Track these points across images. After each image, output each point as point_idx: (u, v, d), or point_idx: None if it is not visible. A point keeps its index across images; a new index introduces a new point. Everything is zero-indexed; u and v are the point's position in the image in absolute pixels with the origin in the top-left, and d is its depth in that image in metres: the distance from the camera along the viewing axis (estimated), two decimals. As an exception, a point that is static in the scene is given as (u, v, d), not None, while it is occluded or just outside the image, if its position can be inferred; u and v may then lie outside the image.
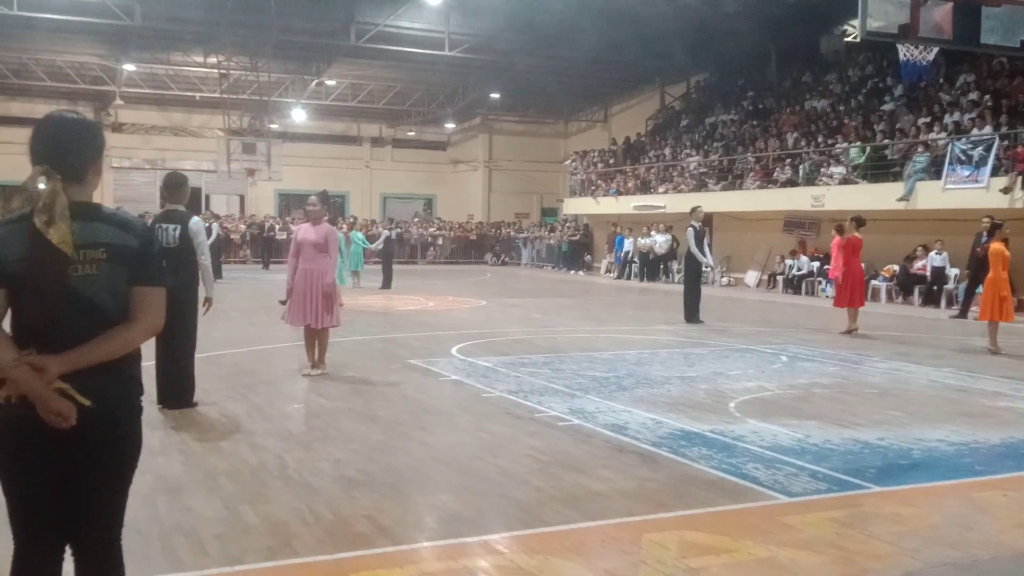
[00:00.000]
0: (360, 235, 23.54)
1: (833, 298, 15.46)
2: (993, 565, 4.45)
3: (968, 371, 10.65)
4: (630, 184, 31.49)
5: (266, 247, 32.71)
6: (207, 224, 23.05)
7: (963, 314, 17.16)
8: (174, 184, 7.94)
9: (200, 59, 31.03)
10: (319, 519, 4.93)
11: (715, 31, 27.40)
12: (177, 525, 4.80)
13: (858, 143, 22.96)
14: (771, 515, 5.13)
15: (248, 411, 7.81)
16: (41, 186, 2.65)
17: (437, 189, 42.58)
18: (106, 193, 33.61)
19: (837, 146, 23.73)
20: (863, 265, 15.52)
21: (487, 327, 14.63)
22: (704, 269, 16.45)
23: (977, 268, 16.12)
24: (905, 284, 20.78)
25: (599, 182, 33.62)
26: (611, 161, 34.32)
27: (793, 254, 24.15)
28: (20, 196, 2.66)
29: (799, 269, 23.58)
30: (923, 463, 6.39)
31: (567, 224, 35.79)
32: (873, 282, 20.71)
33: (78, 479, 2.73)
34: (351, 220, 30.64)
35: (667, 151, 31.79)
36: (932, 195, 19.58)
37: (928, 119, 21.88)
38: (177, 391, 7.73)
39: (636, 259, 28.99)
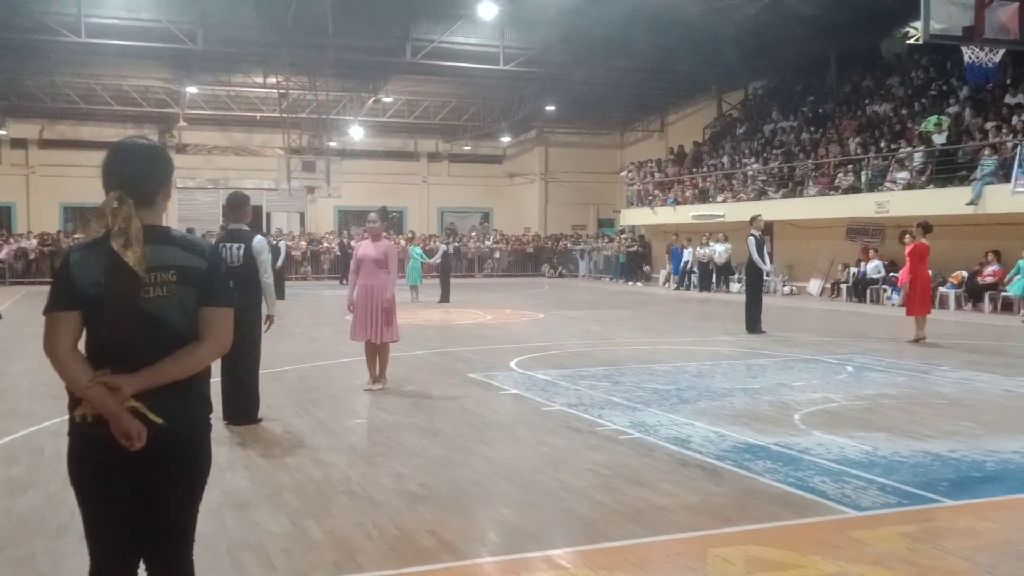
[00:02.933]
0: (418, 250, 23.72)
1: (903, 306, 15.09)
2: (1075, 582, 4.29)
3: (1043, 380, 10.32)
4: (687, 194, 31.26)
5: (345, 263, 33.22)
6: (275, 242, 23.55)
7: None
8: (236, 203, 8.08)
9: (260, 80, 31.67)
10: (383, 534, 4.96)
11: (772, 37, 27.10)
12: (245, 540, 4.87)
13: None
14: (839, 530, 5.03)
15: (312, 426, 7.91)
16: (115, 210, 2.72)
17: (494, 202, 42.75)
18: (170, 213, 34.43)
19: (901, 151, 23.25)
20: (930, 272, 15.17)
21: (545, 340, 14.61)
22: (765, 278, 16.18)
23: None
24: (974, 291, 20.25)
25: (656, 192, 33.42)
26: (667, 170, 34.11)
27: (859, 262, 23.66)
28: (99, 221, 2.74)
29: (864, 275, 23.07)
30: (997, 475, 6.20)
31: (624, 235, 35.64)
32: (941, 289, 20.23)
33: (151, 496, 2.79)
34: (409, 235, 30.92)
35: (725, 159, 31.49)
36: (1001, 199, 19.06)
37: (996, 122, 21.33)
38: (242, 407, 7.86)
39: (695, 269, 28.73)
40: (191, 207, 36.57)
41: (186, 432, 2.82)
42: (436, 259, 24.37)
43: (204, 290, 2.82)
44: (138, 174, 2.82)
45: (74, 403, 2.77)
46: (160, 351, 2.74)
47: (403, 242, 33.67)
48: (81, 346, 2.79)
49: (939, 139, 21.93)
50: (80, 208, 34.74)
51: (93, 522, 2.81)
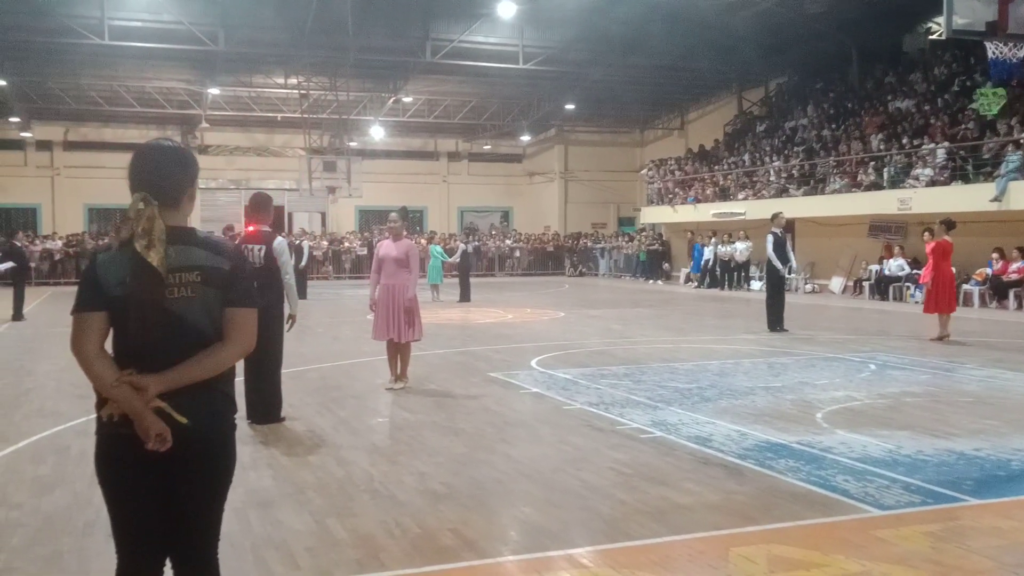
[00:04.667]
0: (439, 248, 23.77)
1: (923, 304, 15.03)
2: (1102, 582, 4.25)
3: (1069, 378, 10.21)
4: (708, 192, 31.14)
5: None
6: (297, 242, 23.68)
7: None
8: (259, 204, 8.13)
9: (281, 80, 31.83)
10: (406, 532, 4.99)
11: (793, 34, 26.96)
12: (269, 538, 4.91)
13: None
14: (863, 529, 5.00)
15: (334, 425, 7.95)
16: (140, 212, 2.75)
17: (514, 201, 42.77)
18: (193, 214, 34.54)
19: (923, 147, 23.06)
20: (954, 269, 15.05)
21: (566, 339, 14.61)
22: (787, 276, 16.06)
23: None
24: (998, 288, 20.06)
25: (676, 190, 33.32)
26: (687, 168, 34.00)
27: (882, 259, 23.49)
28: (127, 224, 2.78)
29: (889, 271, 22.88)
30: (1023, 474, 6.15)
31: (644, 233, 35.55)
32: (965, 286, 20.05)
33: (177, 495, 2.83)
34: (429, 235, 30.98)
35: (746, 157, 31.34)
36: (1026, 195, 18.88)
37: (1020, 117, 21.09)
38: (265, 407, 7.91)
39: (717, 267, 28.62)
40: (213, 208, 36.81)
41: (211, 432, 2.85)
42: (455, 258, 24.41)
43: (228, 291, 2.85)
44: (163, 176, 2.85)
45: (101, 403, 2.80)
46: (185, 351, 2.77)
47: (423, 241, 33.78)
48: (108, 347, 2.83)
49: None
50: (104, 209, 35.09)
51: (120, 521, 2.85)
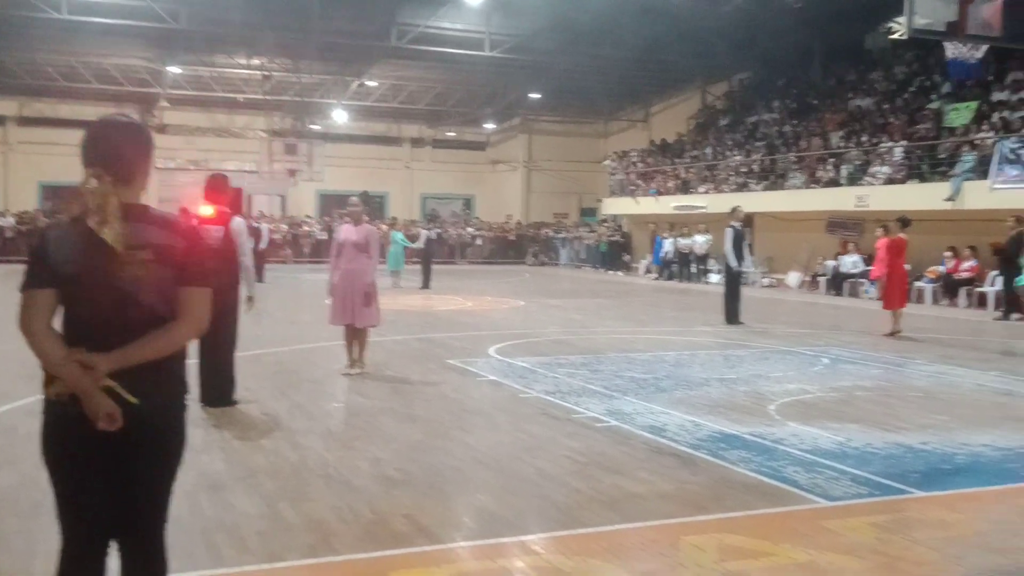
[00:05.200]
0: (400, 235, 23.66)
1: (881, 300, 15.25)
2: (1040, 573, 4.36)
3: (1015, 375, 10.44)
4: (670, 184, 31.32)
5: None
6: (256, 225, 23.45)
7: (1006, 316, 17.11)
8: (217, 185, 8.05)
9: (243, 61, 31.44)
10: (359, 517, 4.97)
11: (758, 29, 27.13)
12: (219, 522, 4.87)
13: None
14: (811, 519, 5.09)
15: (289, 409, 7.90)
16: (93, 188, 2.70)
17: (476, 189, 42.70)
18: (150, 194, 33.84)
19: (882, 145, 23.39)
20: (908, 267, 15.30)
21: (525, 327, 14.64)
22: (744, 270, 16.22)
23: (1002, 267, 17.59)
24: (950, 285, 20.43)
25: (638, 182, 33.48)
26: (649, 160, 34.17)
27: (838, 255, 23.79)
28: (78, 200, 2.72)
29: (844, 268, 23.18)
30: (968, 468, 6.29)
31: (606, 224, 35.68)
32: (917, 284, 20.39)
33: (125, 476, 2.79)
34: (391, 220, 30.83)
35: (708, 151, 31.57)
36: (979, 195, 19.23)
37: (976, 119, 21.47)
38: (219, 389, 7.84)
39: (676, 259, 28.83)
40: (171, 188, 36.21)
41: (161, 412, 2.82)
42: (419, 244, 24.31)
43: (181, 270, 2.81)
44: (117, 152, 2.80)
45: (48, 381, 2.75)
46: (136, 330, 2.72)
47: (384, 227, 33.51)
48: (58, 325, 2.78)
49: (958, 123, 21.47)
50: (59, 187, 34.34)
51: (65, 501, 2.80)
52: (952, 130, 21.71)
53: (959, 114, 21.57)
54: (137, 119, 3.03)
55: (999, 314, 17.53)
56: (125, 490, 2.80)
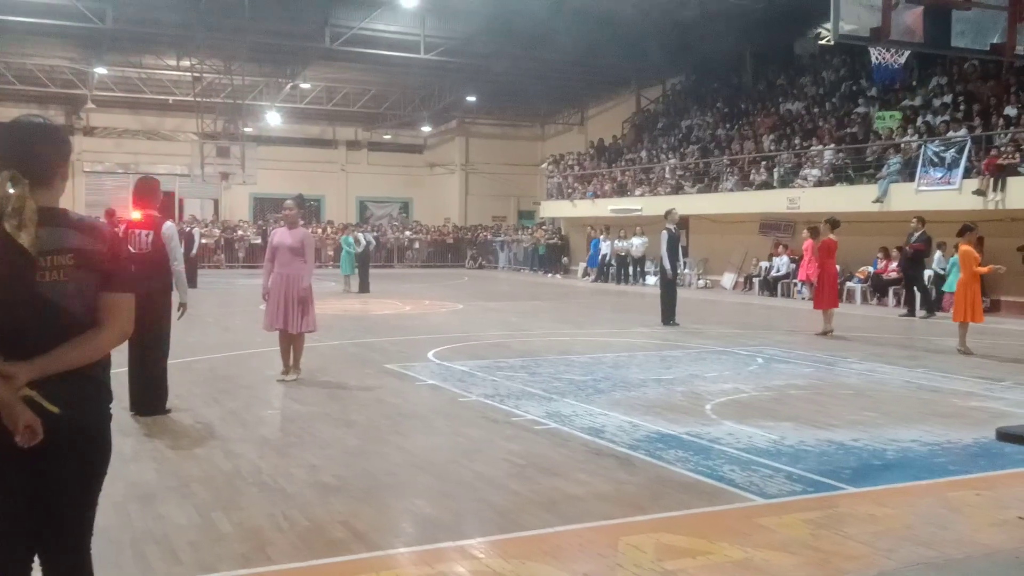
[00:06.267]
0: (350, 239, 23.34)
1: (812, 300, 15.60)
2: (967, 564, 4.47)
3: (941, 372, 10.73)
4: (606, 187, 31.56)
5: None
6: (188, 229, 22.97)
7: (911, 313, 18.06)
8: (146, 189, 7.88)
9: (173, 62, 30.81)
10: (294, 525, 4.89)
11: (690, 34, 27.49)
12: (149, 532, 4.74)
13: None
14: (747, 517, 5.15)
15: (222, 417, 7.75)
16: (9, 191, 2.60)
17: (414, 192, 42.49)
18: (77, 198, 33.27)
19: (812, 148, 23.89)
20: (838, 267, 15.65)
21: (464, 331, 14.60)
22: (680, 272, 16.44)
23: (907, 267, 18.66)
24: (879, 285, 20.95)
25: (576, 185, 33.67)
26: (586, 163, 34.39)
27: (771, 257, 24.23)
28: None
29: (777, 270, 23.62)
30: (897, 463, 6.43)
31: (544, 227, 35.81)
32: (848, 284, 20.86)
33: (47, 486, 2.69)
34: (342, 225, 30.45)
35: (643, 154, 31.90)
36: (906, 197, 19.75)
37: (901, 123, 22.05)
38: (150, 397, 7.66)
39: (613, 262, 29.06)
40: (99, 192, 35.39)
41: (84, 421, 2.72)
42: (360, 248, 23.97)
43: (104, 275, 2.72)
44: (33, 154, 2.70)
45: (-36, 392, 2.63)
46: (56, 337, 2.63)
47: (320, 231, 33.22)
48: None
49: (885, 128, 22.20)
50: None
51: (-15, 513, 2.69)
52: (879, 134, 22.27)
53: (885, 121, 22.27)
54: (52, 120, 2.93)
55: (905, 311, 18.37)
56: (47, 502, 2.70)
